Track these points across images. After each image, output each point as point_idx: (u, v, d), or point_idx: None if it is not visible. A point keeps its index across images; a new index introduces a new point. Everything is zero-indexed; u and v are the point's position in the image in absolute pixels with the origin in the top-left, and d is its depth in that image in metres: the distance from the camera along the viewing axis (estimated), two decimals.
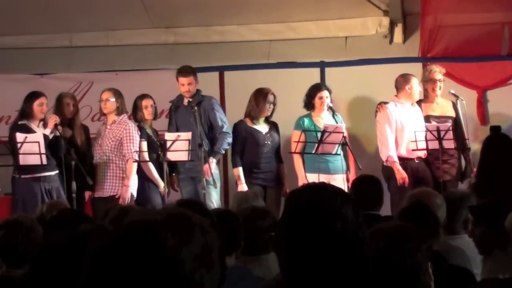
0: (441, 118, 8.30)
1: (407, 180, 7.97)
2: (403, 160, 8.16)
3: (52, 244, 2.37)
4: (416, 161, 8.21)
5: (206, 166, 7.91)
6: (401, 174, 8.02)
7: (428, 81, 8.39)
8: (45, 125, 7.91)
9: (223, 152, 8.26)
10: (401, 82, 8.29)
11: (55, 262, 2.28)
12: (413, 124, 8.19)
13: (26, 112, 7.90)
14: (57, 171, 7.82)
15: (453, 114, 8.39)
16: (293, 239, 2.13)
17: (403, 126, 8.21)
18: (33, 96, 7.92)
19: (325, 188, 2.20)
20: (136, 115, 8.24)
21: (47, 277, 2.28)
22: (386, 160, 8.14)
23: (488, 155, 6.77)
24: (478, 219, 4.08)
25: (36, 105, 7.86)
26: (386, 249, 2.67)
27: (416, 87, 8.26)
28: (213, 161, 8.03)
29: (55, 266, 2.27)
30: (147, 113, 8.20)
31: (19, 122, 7.92)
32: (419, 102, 8.41)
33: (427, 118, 8.29)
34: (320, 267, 2.09)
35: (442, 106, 8.42)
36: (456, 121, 8.32)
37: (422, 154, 8.21)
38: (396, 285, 2.64)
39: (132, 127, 8.07)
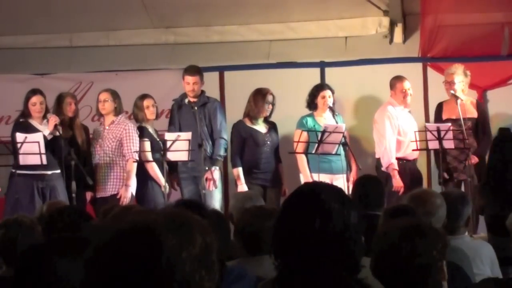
0: (457, 122, 8.08)
1: (402, 190, 7.92)
2: (402, 161, 8.16)
3: (49, 244, 2.37)
4: (414, 162, 8.27)
5: (208, 175, 7.96)
6: (398, 183, 8.01)
7: (444, 83, 8.37)
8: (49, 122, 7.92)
9: (222, 158, 8.27)
10: (392, 84, 8.31)
11: (54, 262, 2.28)
12: (411, 127, 8.21)
13: (24, 111, 7.89)
14: (56, 171, 7.78)
15: (474, 114, 8.29)
16: (282, 243, 2.23)
17: (404, 129, 8.21)
18: (28, 95, 7.88)
19: (315, 191, 2.25)
20: (137, 115, 8.23)
21: (37, 277, 2.28)
22: (387, 167, 8.12)
23: (497, 156, 6.70)
24: None
25: (30, 104, 7.83)
26: (399, 244, 2.66)
27: (405, 90, 8.21)
28: (215, 169, 8.09)
29: (53, 266, 2.27)
30: (149, 113, 8.18)
31: (20, 120, 7.91)
32: (440, 104, 8.36)
33: (446, 122, 8.13)
34: (309, 267, 2.13)
35: (463, 107, 8.23)
36: (478, 121, 8.23)
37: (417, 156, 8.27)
38: (407, 281, 2.64)
39: (131, 127, 8.06)
